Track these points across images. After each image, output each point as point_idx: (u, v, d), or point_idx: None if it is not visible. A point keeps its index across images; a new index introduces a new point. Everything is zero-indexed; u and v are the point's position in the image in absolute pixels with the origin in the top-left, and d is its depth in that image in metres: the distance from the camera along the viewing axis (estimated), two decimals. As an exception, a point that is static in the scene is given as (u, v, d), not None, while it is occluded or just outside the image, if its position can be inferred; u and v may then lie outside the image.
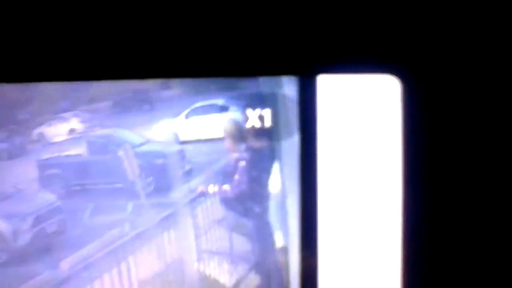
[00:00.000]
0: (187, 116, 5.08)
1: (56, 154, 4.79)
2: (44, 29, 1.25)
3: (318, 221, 1.34)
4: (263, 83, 1.72)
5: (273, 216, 2.67)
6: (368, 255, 1.36)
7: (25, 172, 4.73)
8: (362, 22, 1.24)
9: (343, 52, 1.26)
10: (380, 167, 1.31)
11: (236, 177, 2.95)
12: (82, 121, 5.13)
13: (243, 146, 2.55)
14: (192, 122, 5.05)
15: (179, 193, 3.89)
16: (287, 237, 2.22)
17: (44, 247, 4.03)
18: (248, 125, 1.80)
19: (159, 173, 4.40)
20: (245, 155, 2.70)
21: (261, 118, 1.76)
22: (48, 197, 4.41)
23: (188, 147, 4.76)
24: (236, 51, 1.26)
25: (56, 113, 5.09)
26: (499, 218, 1.30)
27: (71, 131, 5.09)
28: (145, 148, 4.68)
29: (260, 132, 1.85)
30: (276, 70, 1.31)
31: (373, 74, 1.28)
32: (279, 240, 2.72)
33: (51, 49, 1.26)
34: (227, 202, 3.23)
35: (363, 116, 1.30)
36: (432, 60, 1.23)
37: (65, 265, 3.45)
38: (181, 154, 4.63)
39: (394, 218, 1.31)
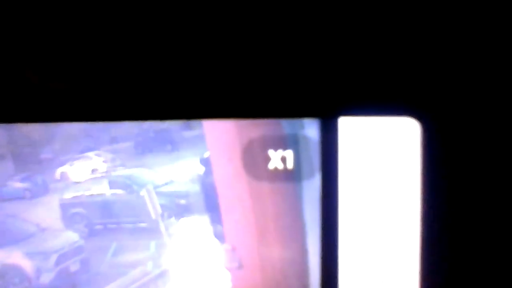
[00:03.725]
0: (209, 157, 5.02)
1: (79, 194, 4.81)
2: (66, 69, 1.28)
3: (339, 263, 1.35)
4: (285, 125, 1.75)
5: (293, 257, 2.66)
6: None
7: (47, 211, 4.74)
8: (383, 64, 1.26)
9: (364, 95, 1.28)
10: (401, 209, 1.32)
11: None
12: (105, 161, 5.15)
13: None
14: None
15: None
16: (307, 278, 2.22)
17: (67, 286, 4.03)
18: (271, 166, 1.82)
19: (183, 213, 4.40)
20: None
21: (283, 159, 1.78)
22: (71, 236, 4.42)
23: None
24: (257, 93, 1.28)
25: (78, 152, 5.11)
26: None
27: (94, 170, 5.11)
28: (168, 188, 4.68)
29: (283, 174, 1.86)
30: (298, 112, 1.33)
31: (394, 117, 1.29)
32: (299, 281, 2.70)
33: (73, 89, 1.28)
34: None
35: (383, 158, 1.32)
36: (452, 103, 1.25)
37: (88, 304, 3.45)
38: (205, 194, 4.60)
39: (413, 259, 1.31)
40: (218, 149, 1.98)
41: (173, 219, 4.41)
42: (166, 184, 4.74)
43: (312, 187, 1.84)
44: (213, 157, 2.05)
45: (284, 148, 1.79)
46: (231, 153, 1.90)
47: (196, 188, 4.74)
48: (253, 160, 1.83)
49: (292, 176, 1.86)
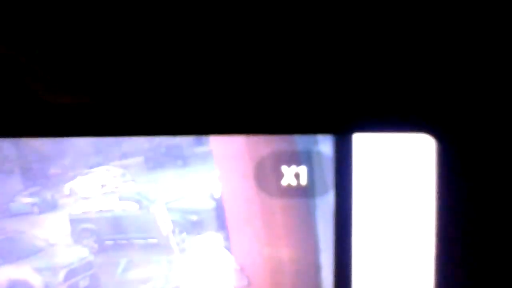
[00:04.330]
0: (221, 173, 4.99)
1: (88, 209, 4.80)
2: (76, 84, 1.28)
3: (353, 280, 1.34)
4: (299, 140, 1.75)
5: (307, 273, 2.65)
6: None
7: (57, 226, 4.73)
8: (398, 80, 1.26)
9: (379, 111, 1.27)
10: (415, 226, 1.31)
11: None
12: (115, 176, 5.14)
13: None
14: (227, 179, 4.97)
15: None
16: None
17: (77, 302, 4.02)
18: (284, 182, 1.81)
19: (194, 229, 4.39)
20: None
21: (296, 175, 1.77)
22: (81, 252, 4.41)
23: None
24: (271, 109, 1.28)
25: (88, 168, 5.10)
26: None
27: (104, 186, 5.10)
28: (179, 204, 4.67)
29: (296, 190, 1.86)
30: (312, 128, 1.33)
31: (409, 133, 1.28)
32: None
33: (83, 104, 1.28)
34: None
35: (398, 175, 1.31)
36: (468, 119, 1.24)
37: (98, 320, 3.44)
38: (216, 211, 4.59)
39: (428, 276, 1.30)
40: (228, 166, 1.98)
41: (184, 235, 4.39)
42: (177, 200, 4.72)
43: (326, 204, 1.82)
44: (222, 175, 2.05)
45: (298, 164, 1.78)
46: (242, 169, 1.89)
47: (207, 204, 4.72)
48: (265, 176, 1.82)
49: (306, 193, 1.85)
